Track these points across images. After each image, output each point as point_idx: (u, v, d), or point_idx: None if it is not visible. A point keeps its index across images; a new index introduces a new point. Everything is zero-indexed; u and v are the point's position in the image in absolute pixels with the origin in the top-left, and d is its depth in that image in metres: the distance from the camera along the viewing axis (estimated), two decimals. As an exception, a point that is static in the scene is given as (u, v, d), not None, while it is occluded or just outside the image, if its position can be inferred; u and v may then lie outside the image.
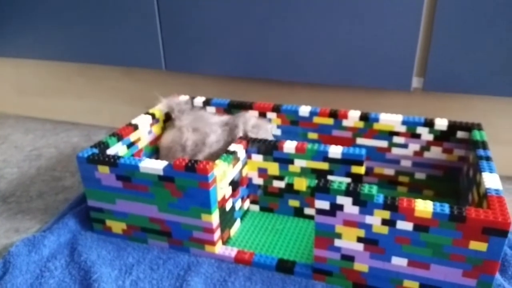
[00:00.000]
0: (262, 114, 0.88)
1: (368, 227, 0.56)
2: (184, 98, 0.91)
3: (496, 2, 0.76)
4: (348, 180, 0.71)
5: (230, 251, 0.68)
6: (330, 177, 0.72)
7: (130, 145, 0.79)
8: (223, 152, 0.77)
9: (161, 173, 0.64)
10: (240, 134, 0.79)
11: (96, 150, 0.70)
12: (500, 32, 0.78)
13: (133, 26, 1.03)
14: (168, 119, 0.90)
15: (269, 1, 0.90)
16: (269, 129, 0.84)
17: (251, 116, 0.82)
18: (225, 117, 0.84)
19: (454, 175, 0.80)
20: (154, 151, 0.87)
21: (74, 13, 1.07)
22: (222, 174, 0.67)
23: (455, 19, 0.80)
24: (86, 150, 0.70)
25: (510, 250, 0.67)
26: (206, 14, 0.97)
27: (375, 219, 0.55)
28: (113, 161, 0.66)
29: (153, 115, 0.85)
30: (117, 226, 0.73)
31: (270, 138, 0.82)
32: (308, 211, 0.77)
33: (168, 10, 0.99)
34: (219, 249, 0.68)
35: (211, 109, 0.91)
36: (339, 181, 0.57)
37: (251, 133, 0.79)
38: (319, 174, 0.72)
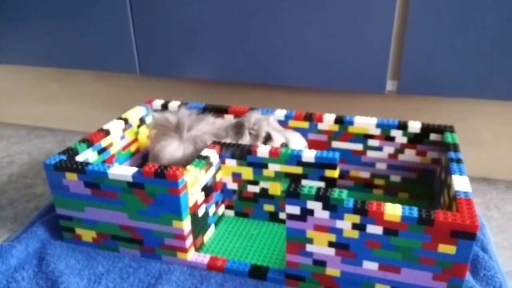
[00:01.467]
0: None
1: (338, 232, 0.56)
2: (192, 108, 0.87)
3: (466, 6, 0.77)
4: (322, 184, 0.70)
5: (203, 258, 0.67)
6: (304, 182, 0.71)
7: (101, 151, 0.77)
8: None
9: (130, 179, 0.63)
10: (246, 133, 0.77)
11: (64, 157, 0.69)
12: (471, 35, 0.79)
13: (106, 30, 1.01)
14: (142, 124, 0.88)
15: (245, 5, 0.90)
16: (271, 121, 0.81)
17: (254, 114, 0.80)
18: (232, 120, 0.82)
19: (428, 178, 0.80)
20: (128, 156, 0.85)
21: (47, 18, 1.05)
22: (194, 180, 0.66)
23: (428, 22, 0.80)
24: (54, 157, 0.68)
25: (482, 252, 0.67)
26: (180, 18, 0.96)
27: (346, 224, 0.55)
28: (80, 168, 0.65)
29: (125, 120, 0.84)
30: (87, 235, 0.71)
31: (275, 130, 0.80)
32: (283, 215, 0.76)
33: (141, 13, 0.98)
34: (192, 256, 0.67)
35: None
36: (310, 185, 0.57)
37: (253, 130, 0.77)
38: (293, 178, 0.72)
